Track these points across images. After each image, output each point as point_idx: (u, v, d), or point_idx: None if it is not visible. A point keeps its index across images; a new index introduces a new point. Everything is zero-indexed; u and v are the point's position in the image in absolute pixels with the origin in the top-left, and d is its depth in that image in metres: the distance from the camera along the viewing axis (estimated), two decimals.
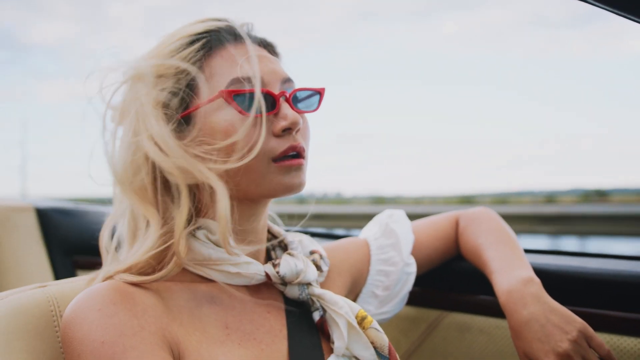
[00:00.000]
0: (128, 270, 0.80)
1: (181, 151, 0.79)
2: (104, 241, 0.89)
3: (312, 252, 0.97)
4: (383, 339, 0.86)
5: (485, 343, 1.23)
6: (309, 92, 0.90)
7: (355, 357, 0.85)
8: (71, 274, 1.89)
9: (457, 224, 1.22)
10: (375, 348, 0.85)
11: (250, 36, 0.90)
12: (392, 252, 1.10)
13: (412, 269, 1.11)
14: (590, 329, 0.94)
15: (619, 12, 0.81)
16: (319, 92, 0.91)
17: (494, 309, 1.23)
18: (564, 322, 0.94)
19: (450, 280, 1.28)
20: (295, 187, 0.85)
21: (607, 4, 0.81)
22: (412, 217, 1.20)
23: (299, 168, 0.85)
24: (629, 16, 0.81)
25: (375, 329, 0.87)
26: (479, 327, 1.24)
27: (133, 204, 0.84)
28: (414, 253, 1.13)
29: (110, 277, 0.81)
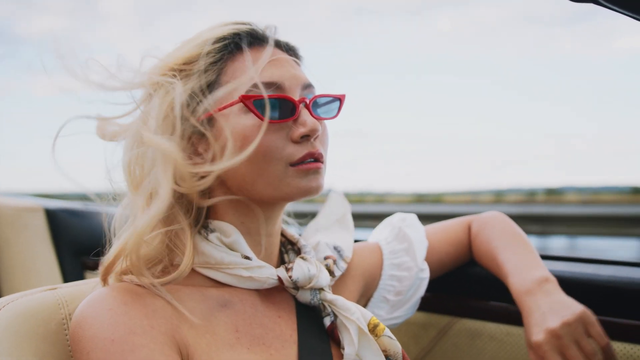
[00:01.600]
0: (109, 269, 0.80)
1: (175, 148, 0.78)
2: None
3: (326, 258, 0.96)
4: (396, 346, 0.86)
5: (496, 350, 1.22)
6: (329, 99, 0.90)
7: None
8: (79, 275, 1.89)
9: (469, 229, 1.21)
10: (388, 356, 0.85)
11: (271, 40, 0.89)
12: (406, 257, 1.09)
13: (426, 275, 1.10)
14: (591, 317, 0.93)
15: (624, 12, 0.81)
16: (339, 99, 0.91)
17: (505, 316, 1.22)
18: (562, 308, 0.94)
19: (461, 286, 1.26)
20: (313, 190, 0.84)
21: (616, 4, 0.80)
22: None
23: (316, 171, 0.84)
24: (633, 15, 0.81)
25: (388, 336, 0.86)
26: (489, 333, 1.23)
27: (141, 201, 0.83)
28: (426, 258, 1.12)
29: (119, 276, 0.81)
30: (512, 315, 1.20)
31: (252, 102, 0.81)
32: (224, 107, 0.82)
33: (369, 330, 0.86)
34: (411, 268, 1.09)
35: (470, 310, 1.26)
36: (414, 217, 1.17)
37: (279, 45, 0.90)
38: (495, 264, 1.11)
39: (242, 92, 0.82)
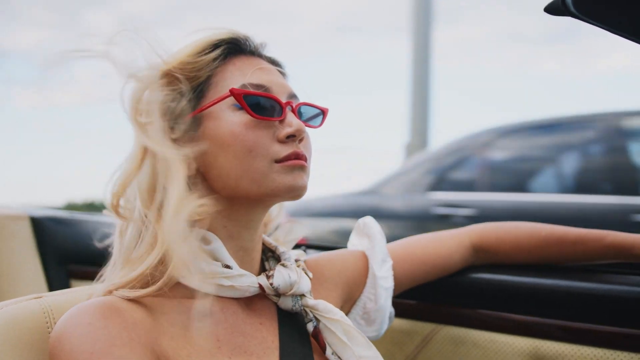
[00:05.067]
0: (126, 284, 0.80)
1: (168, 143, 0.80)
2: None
3: (296, 260, 0.96)
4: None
5: (480, 357, 1.23)
6: (313, 109, 0.93)
7: None
8: (65, 283, 1.87)
9: (468, 241, 1.21)
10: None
11: (262, 54, 0.94)
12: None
13: (389, 284, 1.09)
14: None
15: (599, 25, 0.84)
16: (323, 112, 0.94)
17: (489, 323, 1.23)
18: None
19: (445, 294, 1.28)
20: (297, 188, 0.85)
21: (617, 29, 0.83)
22: None
23: (302, 169, 0.85)
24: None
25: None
26: (473, 341, 1.24)
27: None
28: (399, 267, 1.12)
29: (108, 293, 0.81)
30: (495, 322, 1.22)
31: (241, 97, 0.83)
32: (214, 103, 0.84)
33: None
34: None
35: (454, 317, 1.28)
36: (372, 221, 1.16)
37: (268, 59, 0.94)
38: (572, 239, 1.15)
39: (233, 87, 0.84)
